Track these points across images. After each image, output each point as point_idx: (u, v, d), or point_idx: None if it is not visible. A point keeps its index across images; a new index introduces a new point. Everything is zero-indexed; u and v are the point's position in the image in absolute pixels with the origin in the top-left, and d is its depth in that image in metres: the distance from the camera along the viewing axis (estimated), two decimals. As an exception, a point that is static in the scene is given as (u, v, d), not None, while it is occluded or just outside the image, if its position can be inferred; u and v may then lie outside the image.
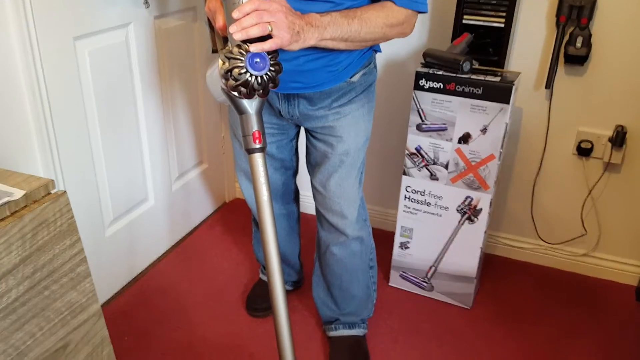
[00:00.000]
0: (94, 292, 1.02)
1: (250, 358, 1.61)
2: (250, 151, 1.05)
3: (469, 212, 1.68)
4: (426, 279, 1.84)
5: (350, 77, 1.30)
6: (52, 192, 0.97)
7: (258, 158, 1.08)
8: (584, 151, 1.79)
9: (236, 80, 0.96)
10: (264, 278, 1.86)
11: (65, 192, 0.97)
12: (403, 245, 1.83)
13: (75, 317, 0.98)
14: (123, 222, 1.82)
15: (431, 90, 1.60)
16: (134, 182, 1.83)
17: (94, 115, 1.61)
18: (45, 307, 0.93)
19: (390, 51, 1.92)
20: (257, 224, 1.68)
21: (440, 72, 1.59)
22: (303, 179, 2.10)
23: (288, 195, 1.65)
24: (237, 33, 0.96)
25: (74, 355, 0.98)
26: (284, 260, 1.77)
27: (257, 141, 1.04)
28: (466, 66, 1.56)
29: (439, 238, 1.76)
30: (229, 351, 1.63)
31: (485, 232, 1.70)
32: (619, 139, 1.72)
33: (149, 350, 1.63)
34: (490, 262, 2.03)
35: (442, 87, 1.58)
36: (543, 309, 1.81)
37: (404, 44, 1.89)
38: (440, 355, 1.62)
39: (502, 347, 1.66)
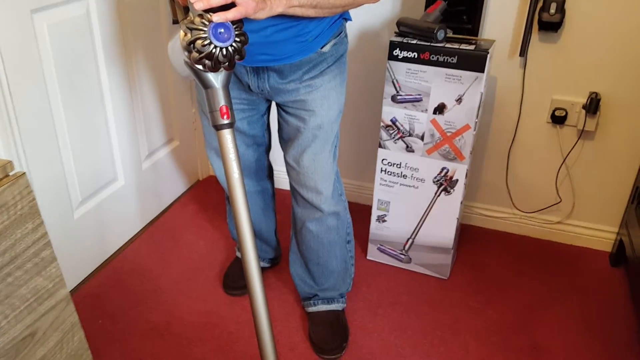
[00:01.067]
0: (61, 277, 0.98)
1: (229, 336, 1.59)
2: (218, 127, 1.01)
3: (445, 183, 1.67)
4: (404, 252, 1.84)
5: (321, 48, 1.26)
6: (11, 173, 0.92)
7: (227, 134, 1.05)
8: (558, 119, 1.79)
9: (200, 52, 0.92)
10: (240, 256, 1.83)
11: (24, 173, 0.92)
12: (380, 219, 1.82)
13: (42, 304, 0.94)
14: (92, 204, 1.76)
15: (405, 60, 1.57)
16: (101, 162, 1.77)
17: (56, 93, 1.54)
18: (9, 295, 0.89)
19: (363, 21, 1.88)
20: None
21: (414, 42, 1.55)
22: (277, 155, 2.07)
23: (261, 172, 1.62)
24: (197, 2, 0.92)
25: (43, 343, 0.94)
26: (260, 237, 1.75)
27: (225, 117, 1.01)
28: (440, 34, 1.53)
29: (415, 210, 1.75)
30: (207, 330, 1.61)
31: (461, 202, 1.70)
32: (592, 106, 1.72)
33: (124, 332, 1.60)
34: (466, 233, 2.04)
35: (416, 56, 1.55)
36: (519, 277, 1.83)
37: (377, 12, 1.85)
38: (420, 326, 1.63)
39: (480, 316, 1.67)
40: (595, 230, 1.94)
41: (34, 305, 0.92)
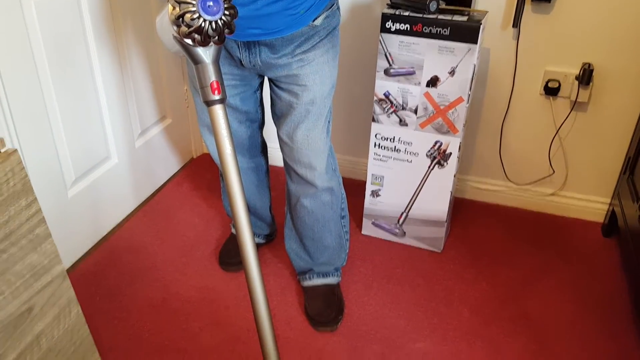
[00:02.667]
0: (56, 254, 0.98)
1: (226, 311, 1.61)
2: (209, 103, 1.01)
3: (439, 156, 1.68)
4: (398, 226, 1.85)
5: (313, 21, 1.25)
6: (2, 150, 0.91)
7: (218, 110, 1.04)
8: (551, 91, 1.79)
9: (189, 26, 0.91)
10: (235, 232, 1.84)
11: (16, 150, 0.91)
12: (374, 194, 1.83)
13: (39, 280, 0.94)
14: (86, 182, 1.76)
15: (398, 32, 1.56)
16: (94, 140, 1.76)
17: (46, 72, 1.52)
18: (5, 271, 0.89)
19: (355, -6, 1.86)
20: (225, 178, 1.64)
21: (406, 14, 1.54)
22: (271, 132, 2.06)
23: (255, 148, 1.62)
24: None
25: (40, 318, 0.95)
26: (255, 214, 1.75)
27: (215, 92, 1.00)
28: (433, 6, 1.52)
29: (409, 184, 1.76)
30: (204, 305, 1.62)
31: (454, 176, 1.70)
32: (585, 76, 1.71)
33: (122, 309, 1.61)
34: (459, 206, 2.05)
35: (409, 28, 1.54)
36: (512, 249, 1.85)
37: (368, -14, 1.83)
38: (414, 298, 1.65)
39: (473, 288, 1.69)
40: (588, 202, 1.95)
41: (30, 282, 0.93)
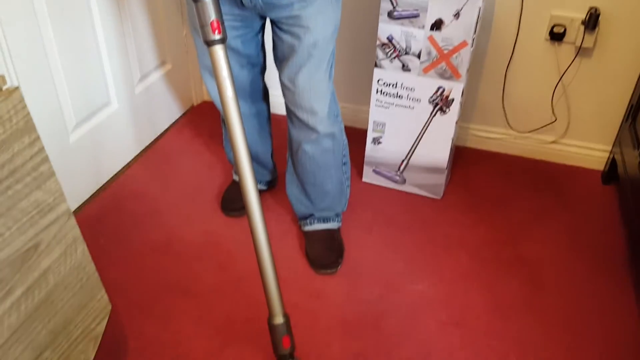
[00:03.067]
0: (61, 192, 0.99)
1: (228, 254, 1.64)
2: (209, 43, 1.00)
3: (441, 102, 1.67)
4: (398, 173, 1.86)
5: (316, -41, 1.22)
6: (4, 88, 0.91)
7: (219, 50, 1.03)
8: (556, 36, 1.76)
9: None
10: (237, 179, 1.85)
11: (17, 87, 0.91)
12: (376, 141, 1.83)
13: (44, 217, 0.96)
14: (87, 127, 1.76)
15: (401, -27, 1.52)
16: (94, 85, 1.75)
17: (45, 15, 1.49)
18: (10, 207, 0.91)
19: None
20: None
21: (410, -46, 1.50)
22: (273, 79, 2.04)
23: (256, 93, 1.61)
24: None
25: (47, 254, 0.97)
26: (256, 160, 1.76)
27: (216, 31, 0.99)
28: (438, -54, 1.47)
29: (411, 131, 1.76)
30: (207, 249, 1.65)
31: (456, 122, 1.70)
32: (592, 21, 1.68)
33: (126, 251, 1.64)
34: (460, 154, 2.06)
35: (413, -30, 1.50)
36: (511, 196, 1.87)
37: None
38: (413, 243, 1.68)
39: (472, 233, 1.72)
40: (589, 149, 1.96)
41: (35, 218, 0.94)
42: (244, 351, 1.36)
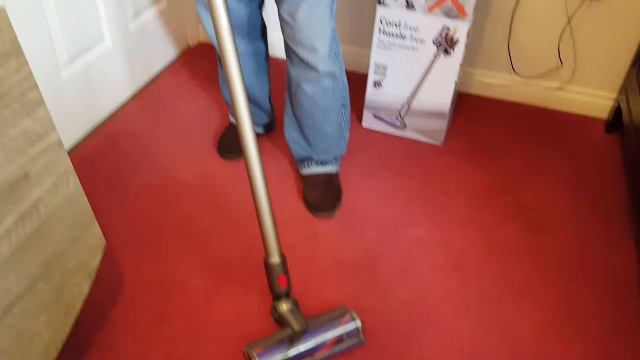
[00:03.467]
0: (51, 121, 0.96)
1: (225, 197, 1.62)
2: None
3: (445, 43, 1.61)
4: (399, 118, 1.82)
5: None
6: (-14, 8, 0.86)
7: (213, -21, 0.97)
8: (567, -24, 1.70)
9: None
10: (234, 121, 1.82)
11: (3, 8, 0.86)
12: (377, 84, 1.78)
13: (33, 147, 0.93)
14: (79, 64, 1.71)
15: None
16: (86, 20, 1.68)
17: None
18: (-2, 135, 0.88)
19: None
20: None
21: None
22: (272, 21, 1.97)
23: (254, 30, 1.55)
24: None
25: (37, 185, 0.94)
26: (254, 102, 1.72)
27: None
28: None
29: (413, 74, 1.71)
30: (204, 191, 1.63)
31: (460, 65, 1.65)
32: (605, -40, 1.62)
33: (121, 191, 1.62)
34: (463, 101, 2.01)
35: None
36: (513, 144, 1.84)
37: None
38: (411, 188, 1.66)
39: (471, 178, 1.70)
40: (593, 97, 1.92)
41: (25, 148, 0.91)
42: (240, 291, 1.36)
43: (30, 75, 0.91)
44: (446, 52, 1.63)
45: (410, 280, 1.39)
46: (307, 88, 1.46)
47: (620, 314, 1.32)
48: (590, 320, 1.31)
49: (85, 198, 1.08)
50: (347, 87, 1.56)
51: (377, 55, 1.72)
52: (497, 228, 1.54)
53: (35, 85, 0.92)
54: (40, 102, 0.94)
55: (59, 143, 0.99)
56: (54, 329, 1.03)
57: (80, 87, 1.73)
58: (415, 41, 1.64)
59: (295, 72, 1.46)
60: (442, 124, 1.77)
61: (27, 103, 0.91)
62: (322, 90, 1.46)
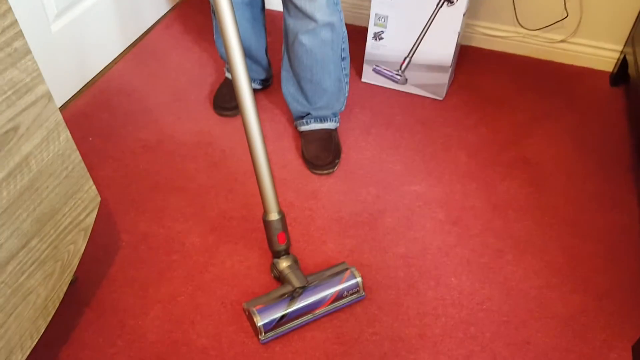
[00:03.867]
0: (39, 72, 0.92)
1: (222, 154, 1.59)
2: None
3: (448, -7, 1.56)
4: (400, 72, 1.77)
5: None
6: (-36, -50, 0.81)
7: None
8: None
9: None
10: (230, 77, 1.77)
11: (-20, -50, 0.81)
12: (377, 36, 1.73)
13: (22, 98, 0.89)
14: (69, 17, 1.65)
15: None
16: (74, -30, 1.62)
17: None
18: (-17, 86, 0.84)
19: None
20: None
21: None
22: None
23: (249, -22, 1.49)
24: None
25: (27, 139, 0.91)
26: (250, 56, 1.67)
27: None
28: None
29: (415, 25, 1.65)
30: (200, 148, 1.60)
31: (463, 15, 1.59)
32: None
33: (116, 149, 1.59)
34: (466, 54, 1.96)
35: None
36: (516, 97, 1.80)
37: None
38: (412, 144, 1.63)
39: (473, 134, 1.67)
40: (599, 49, 1.86)
41: (12, 99, 0.88)
42: (239, 247, 1.35)
43: (15, 23, 0.87)
44: (449, 1, 1.57)
45: (409, 236, 1.38)
46: (305, 40, 1.41)
47: (621, 268, 1.32)
48: (591, 274, 1.30)
49: (78, 153, 1.05)
50: (347, 38, 1.51)
51: (377, 6, 1.66)
52: (498, 183, 1.52)
53: (21, 34, 0.88)
54: (27, 52, 0.90)
55: (49, 96, 0.95)
56: (51, 286, 1.01)
57: (70, 42, 1.67)
58: (416, -9, 1.58)
59: (292, 23, 1.40)
60: (444, 78, 1.73)
61: (13, 52, 0.87)
62: (320, 41, 1.41)
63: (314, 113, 1.59)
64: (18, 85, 0.88)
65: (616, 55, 1.85)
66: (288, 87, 1.58)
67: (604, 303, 1.24)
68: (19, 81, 0.88)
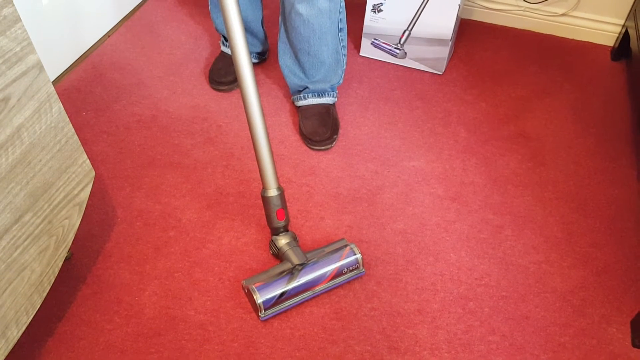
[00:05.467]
0: (29, 41, 0.89)
1: (218, 129, 1.56)
2: None
3: (449, -36, 1.52)
4: (399, 45, 1.74)
5: None
6: None
7: None
8: None
9: None
10: (226, 50, 1.73)
11: None
12: (376, 8, 1.69)
13: (12, 68, 0.86)
14: (59, -12, 1.60)
15: None
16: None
17: None
18: (-28, 56, 0.81)
19: None
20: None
21: None
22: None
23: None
24: None
25: (19, 110, 0.88)
26: (246, 28, 1.63)
27: None
28: None
29: (413, -3, 1.62)
30: (195, 123, 1.57)
31: (464, -13, 1.56)
32: None
33: (110, 124, 1.56)
34: (466, 28, 1.93)
35: None
36: (517, 72, 1.77)
37: None
38: (410, 119, 1.61)
39: (473, 108, 1.64)
40: (600, 23, 1.84)
41: (2, 69, 0.85)
42: (236, 223, 1.33)
43: (2, -11, 0.84)
44: (450, -27, 1.53)
45: (408, 212, 1.37)
46: (302, 9, 1.37)
47: (620, 243, 1.31)
48: (590, 249, 1.30)
49: (71, 126, 1.02)
50: (344, 9, 1.47)
51: (376, -22, 1.62)
52: (498, 159, 1.50)
53: (10, 1, 0.85)
54: (17, 19, 0.86)
55: (40, 66, 0.92)
56: (46, 262, 1.00)
57: (62, 14, 1.63)
58: (417, -39, 1.54)
59: (289, -8, 1.37)
60: (443, 52, 1.70)
61: (2, 20, 0.84)
62: (317, 11, 1.38)
63: (311, 87, 1.56)
64: (8, 55, 0.85)
65: (617, 29, 1.82)
66: (285, 59, 1.54)
67: (603, 278, 1.24)
68: (9, 50, 0.86)
